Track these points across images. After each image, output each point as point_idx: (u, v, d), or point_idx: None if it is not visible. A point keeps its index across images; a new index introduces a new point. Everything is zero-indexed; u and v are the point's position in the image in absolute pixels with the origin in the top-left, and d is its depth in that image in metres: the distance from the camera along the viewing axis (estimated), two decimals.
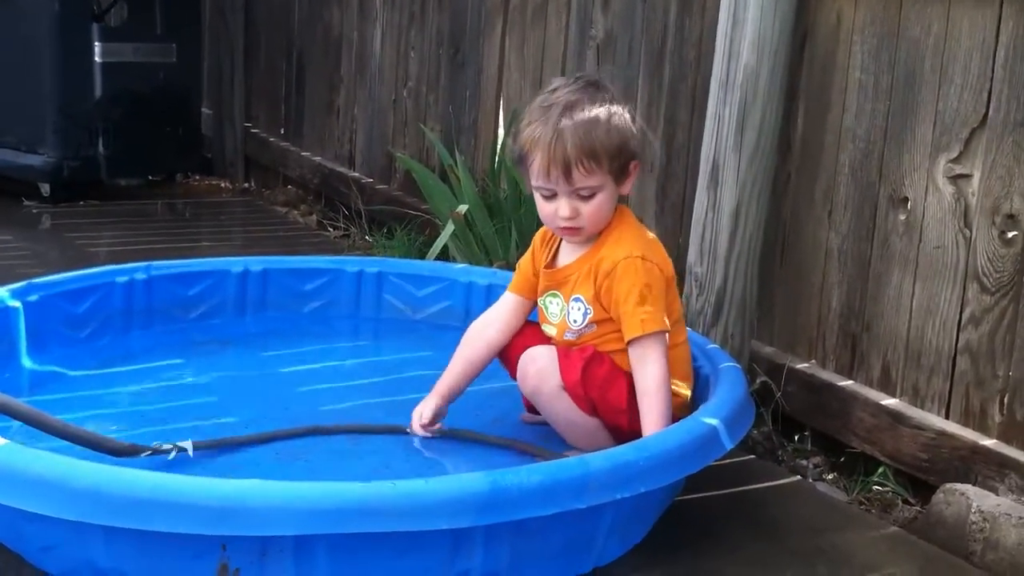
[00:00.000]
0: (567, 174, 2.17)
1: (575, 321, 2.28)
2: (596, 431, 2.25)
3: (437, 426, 2.34)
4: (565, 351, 2.25)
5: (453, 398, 2.38)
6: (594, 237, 2.28)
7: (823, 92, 2.69)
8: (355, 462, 2.25)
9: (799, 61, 2.72)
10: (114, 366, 2.69)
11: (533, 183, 2.24)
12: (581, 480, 1.83)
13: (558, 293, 2.32)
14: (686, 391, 2.30)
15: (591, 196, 2.21)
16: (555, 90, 2.24)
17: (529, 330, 2.40)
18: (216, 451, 2.22)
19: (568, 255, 2.33)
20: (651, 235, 2.33)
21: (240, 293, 3.07)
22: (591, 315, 2.26)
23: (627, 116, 2.24)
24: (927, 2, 2.44)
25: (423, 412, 2.33)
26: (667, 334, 2.22)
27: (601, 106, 2.20)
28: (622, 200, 2.32)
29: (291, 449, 2.27)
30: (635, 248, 2.23)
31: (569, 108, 2.19)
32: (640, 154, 2.30)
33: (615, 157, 2.20)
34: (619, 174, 2.23)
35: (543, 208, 2.25)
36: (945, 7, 2.40)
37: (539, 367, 2.25)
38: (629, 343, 2.20)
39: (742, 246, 2.71)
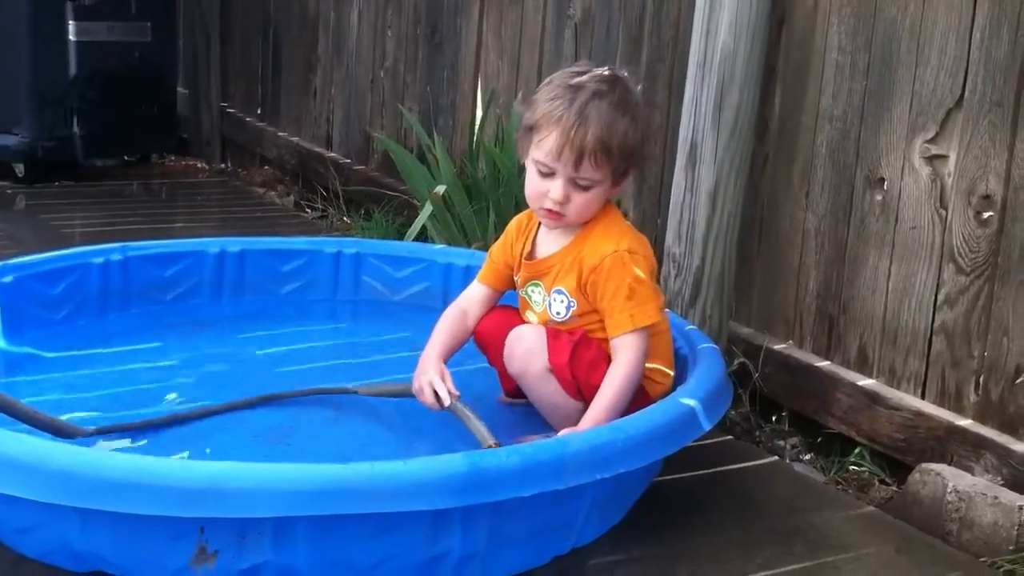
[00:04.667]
0: (578, 161, 2.15)
1: (558, 313, 2.27)
2: (579, 414, 2.24)
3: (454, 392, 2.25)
4: (555, 332, 2.25)
5: (447, 359, 2.33)
6: (576, 228, 2.27)
7: (800, 73, 2.69)
8: (335, 442, 2.25)
9: (776, 42, 2.72)
10: (90, 348, 2.68)
11: (536, 157, 2.20)
12: (559, 461, 1.84)
13: (539, 283, 2.31)
14: (671, 375, 2.31)
15: (588, 188, 2.19)
16: (583, 72, 2.21)
17: (505, 313, 2.41)
18: (191, 431, 2.24)
19: (549, 245, 2.31)
20: (635, 231, 2.31)
21: (217, 274, 3.06)
22: (575, 308, 2.25)
23: (645, 123, 2.25)
24: None
25: (444, 378, 2.23)
26: (653, 327, 2.21)
27: (627, 106, 2.19)
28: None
29: (271, 430, 2.27)
30: (622, 242, 2.22)
31: (598, 96, 2.16)
32: (642, 163, 2.29)
33: (624, 159, 2.19)
34: (620, 176, 2.23)
35: (534, 184, 2.22)
36: None
37: (527, 347, 2.24)
38: (614, 337, 2.19)
39: (719, 227, 2.72)
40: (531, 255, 2.34)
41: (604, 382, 2.17)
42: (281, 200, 4.89)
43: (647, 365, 2.26)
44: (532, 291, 2.33)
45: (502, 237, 2.42)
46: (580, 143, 2.14)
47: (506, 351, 2.29)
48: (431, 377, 2.24)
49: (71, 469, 1.69)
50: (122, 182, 4.92)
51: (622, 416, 2.09)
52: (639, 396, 2.22)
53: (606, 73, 2.22)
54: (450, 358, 2.34)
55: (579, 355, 2.21)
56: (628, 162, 2.22)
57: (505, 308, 2.43)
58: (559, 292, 2.27)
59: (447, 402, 2.20)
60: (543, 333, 2.25)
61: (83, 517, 1.73)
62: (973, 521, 2.14)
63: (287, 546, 1.74)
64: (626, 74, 2.27)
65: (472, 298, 2.41)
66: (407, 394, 2.31)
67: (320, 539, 1.74)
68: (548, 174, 2.20)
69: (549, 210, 2.22)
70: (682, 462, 2.21)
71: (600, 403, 2.14)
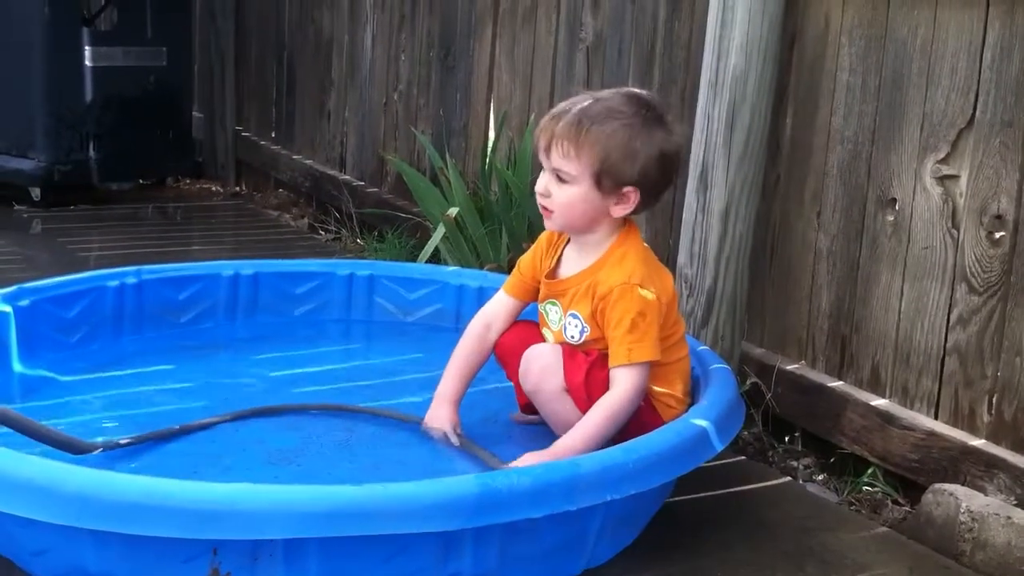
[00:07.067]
0: (547, 147, 2.20)
1: (572, 336, 2.28)
2: None
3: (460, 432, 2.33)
4: (571, 351, 2.25)
5: (460, 400, 2.38)
6: (594, 250, 2.27)
7: (811, 94, 2.69)
8: (347, 464, 2.25)
9: (788, 63, 2.73)
10: (105, 371, 2.69)
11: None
12: (571, 482, 1.84)
13: (557, 302, 2.32)
14: (685, 401, 2.30)
15: (565, 182, 2.20)
16: (615, 94, 2.25)
17: (526, 328, 2.41)
18: (201, 451, 2.24)
19: (570, 267, 2.32)
20: (655, 259, 2.31)
21: (231, 297, 3.07)
22: (588, 333, 2.25)
23: (657, 148, 2.18)
24: (914, 4, 2.45)
25: (452, 422, 2.32)
26: (651, 364, 2.20)
27: (624, 116, 2.18)
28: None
29: (282, 451, 2.27)
30: (635, 273, 2.20)
31: (596, 100, 2.21)
32: (645, 185, 2.20)
33: (602, 162, 2.17)
34: (607, 186, 2.18)
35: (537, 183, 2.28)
36: (932, 9, 2.40)
37: (543, 365, 2.25)
38: (612, 368, 2.19)
39: (731, 247, 2.72)
40: (553, 273, 2.35)
41: (590, 410, 2.16)
42: (295, 222, 4.91)
43: (658, 389, 2.26)
44: (550, 308, 2.34)
45: (532, 249, 2.42)
46: (552, 130, 2.19)
47: (522, 367, 2.29)
48: (445, 430, 2.32)
49: (86, 492, 1.70)
50: (137, 205, 4.95)
51: (604, 446, 2.07)
52: (653, 420, 2.22)
53: (632, 95, 2.25)
54: (466, 391, 2.38)
55: (594, 375, 2.21)
56: (612, 170, 2.17)
57: (527, 323, 2.43)
58: (574, 316, 2.27)
59: (456, 443, 2.30)
60: (559, 352, 2.25)
61: (97, 539, 1.73)
62: (987, 541, 2.13)
63: (299, 567, 1.74)
64: (649, 97, 2.26)
65: (496, 312, 2.42)
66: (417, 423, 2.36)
67: (332, 560, 1.74)
68: (542, 169, 2.25)
69: (541, 205, 2.26)
70: (695, 482, 2.21)
71: (579, 431, 2.14)
